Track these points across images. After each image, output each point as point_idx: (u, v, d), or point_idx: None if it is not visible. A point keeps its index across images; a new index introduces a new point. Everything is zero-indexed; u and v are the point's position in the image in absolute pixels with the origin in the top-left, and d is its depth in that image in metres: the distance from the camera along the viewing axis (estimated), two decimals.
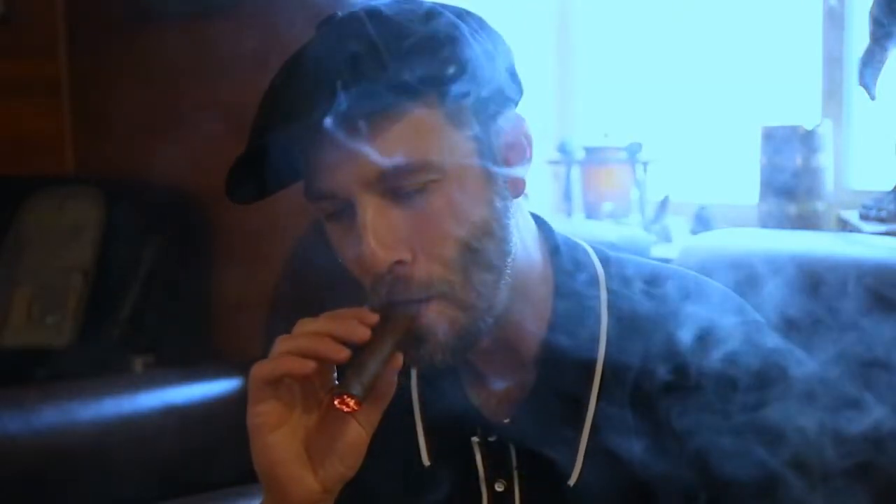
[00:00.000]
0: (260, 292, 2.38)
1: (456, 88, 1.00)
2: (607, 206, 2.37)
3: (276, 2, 2.55)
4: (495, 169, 1.04)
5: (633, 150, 2.34)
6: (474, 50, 1.00)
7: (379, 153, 0.98)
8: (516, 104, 1.08)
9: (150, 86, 3.07)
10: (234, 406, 2.26)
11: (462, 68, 0.99)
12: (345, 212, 1.02)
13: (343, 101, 0.95)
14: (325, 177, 1.01)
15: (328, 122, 0.97)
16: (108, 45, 3.25)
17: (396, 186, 1.00)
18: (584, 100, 2.58)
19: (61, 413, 2.21)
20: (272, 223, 2.29)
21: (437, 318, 1.01)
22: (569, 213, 2.44)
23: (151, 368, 2.81)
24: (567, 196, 2.45)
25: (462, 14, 1.04)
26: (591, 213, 2.40)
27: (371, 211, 1.00)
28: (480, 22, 1.06)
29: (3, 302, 3.00)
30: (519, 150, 1.06)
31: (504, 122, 1.05)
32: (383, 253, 0.99)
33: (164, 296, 2.88)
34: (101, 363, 2.69)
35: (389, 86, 0.97)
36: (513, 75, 1.07)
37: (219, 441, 2.24)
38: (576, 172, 2.43)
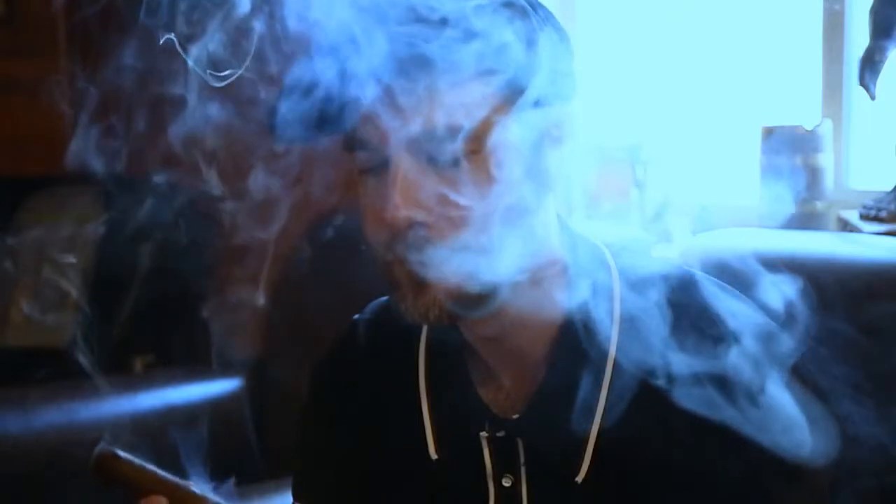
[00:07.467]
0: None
1: (512, 71, 1.01)
2: (607, 206, 2.36)
3: None
4: (534, 157, 1.04)
5: (633, 150, 2.34)
6: (537, 39, 1.02)
7: (424, 114, 0.99)
8: (568, 101, 1.09)
9: (151, 85, 3.07)
10: (234, 406, 2.26)
11: (521, 54, 1.01)
12: (379, 167, 1.03)
13: (399, 55, 0.97)
14: (366, 127, 1.02)
15: (380, 72, 0.98)
16: (108, 44, 3.24)
17: (433, 152, 1.01)
18: (583, 100, 2.58)
19: (61, 413, 2.21)
20: (273, 223, 2.28)
21: (440, 279, 1.01)
22: (569, 213, 2.44)
23: (151, 368, 2.81)
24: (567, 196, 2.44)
25: (535, 4, 1.06)
26: (591, 213, 2.39)
27: (404, 168, 1.00)
28: (548, 15, 1.08)
29: (3, 302, 2.99)
30: (559, 145, 1.07)
31: (552, 114, 1.06)
32: (406, 210, 1.00)
33: (164, 296, 2.87)
34: (101, 363, 2.68)
35: (448, 53, 0.98)
36: (569, 72, 1.09)
37: (218, 441, 2.23)
38: None
